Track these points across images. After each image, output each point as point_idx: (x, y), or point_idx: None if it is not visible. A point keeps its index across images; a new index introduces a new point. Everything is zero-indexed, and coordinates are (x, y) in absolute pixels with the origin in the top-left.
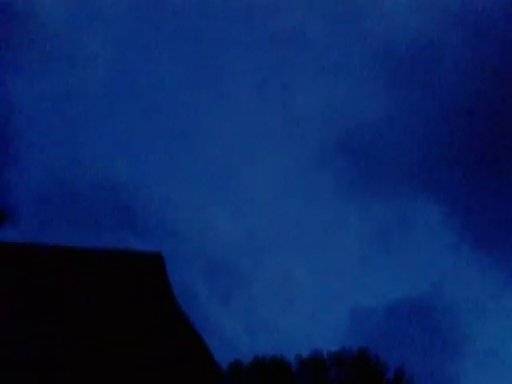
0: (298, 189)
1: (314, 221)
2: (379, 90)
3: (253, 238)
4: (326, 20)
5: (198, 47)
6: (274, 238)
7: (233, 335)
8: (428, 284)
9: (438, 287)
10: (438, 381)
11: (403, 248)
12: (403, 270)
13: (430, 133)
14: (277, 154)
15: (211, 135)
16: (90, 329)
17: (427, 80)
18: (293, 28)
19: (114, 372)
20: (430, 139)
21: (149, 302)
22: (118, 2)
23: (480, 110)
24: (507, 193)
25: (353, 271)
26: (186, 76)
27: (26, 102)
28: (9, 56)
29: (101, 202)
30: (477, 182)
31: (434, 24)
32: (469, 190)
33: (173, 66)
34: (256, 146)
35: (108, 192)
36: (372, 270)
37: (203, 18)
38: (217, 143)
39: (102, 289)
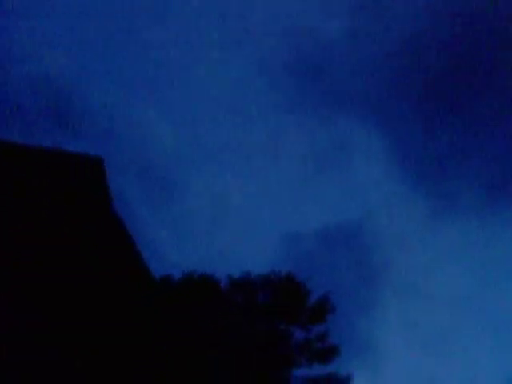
0: (240, 104)
1: (252, 139)
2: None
3: (191, 148)
4: None
5: None
6: (213, 152)
7: (163, 246)
8: (359, 211)
9: (368, 215)
10: (358, 306)
11: (338, 173)
12: (337, 196)
13: (383, 61)
14: (222, 65)
15: (156, 38)
16: (24, 230)
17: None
18: None
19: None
20: (382, 69)
21: (88, 207)
22: None
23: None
24: (443, 130)
25: (287, 193)
26: None
27: None
28: None
29: (33, 94)
30: (420, 118)
31: None
32: (410, 124)
33: None
34: (202, 53)
35: (41, 84)
36: (306, 194)
37: None
38: (163, 46)
39: (39, 190)
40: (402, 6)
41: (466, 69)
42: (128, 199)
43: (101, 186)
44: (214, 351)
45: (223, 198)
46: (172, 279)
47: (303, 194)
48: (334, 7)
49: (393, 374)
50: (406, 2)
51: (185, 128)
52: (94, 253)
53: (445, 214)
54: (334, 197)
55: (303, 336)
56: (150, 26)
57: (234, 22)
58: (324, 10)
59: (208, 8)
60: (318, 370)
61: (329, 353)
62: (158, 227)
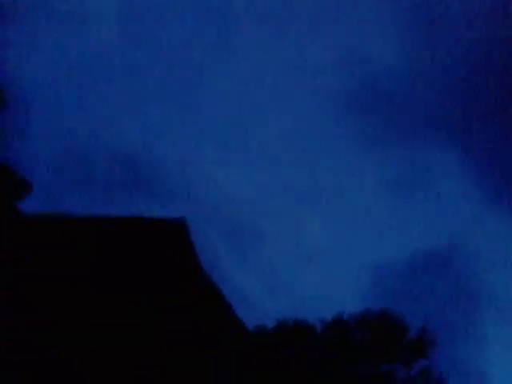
0: (309, 142)
1: (327, 172)
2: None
3: (265, 194)
4: None
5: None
6: (287, 193)
7: (253, 295)
8: (447, 235)
9: (458, 238)
10: (461, 334)
11: (420, 199)
12: (421, 221)
13: (450, 83)
14: (288, 109)
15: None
16: (117, 298)
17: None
18: None
19: (143, 337)
20: (449, 90)
21: (176, 268)
22: None
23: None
24: None
25: (369, 224)
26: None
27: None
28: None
29: (115, 169)
30: (495, 132)
31: None
32: (487, 140)
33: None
34: (268, 99)
35: (121, 159)
36: (389, 222)
37: None
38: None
39: (129, 256)
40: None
41: None
42: (214, 254)
43: (186, 246)
44: None
45: (305, 234)
46: (266, 329)
47: (385, 222)
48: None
49: None
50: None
51: (255, 173)
52: (188, 311)
53: None
54: (419, 223)
55: (405, 373)
56: (217, 80)
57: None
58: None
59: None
60: None
61: None
62: (246, 277)
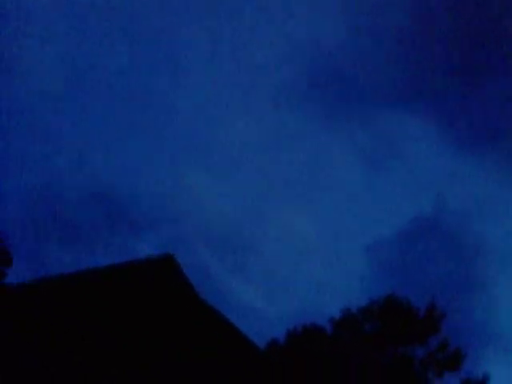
0: (271, 137)
1: (300, 162)
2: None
3: (244, 201)
4: None
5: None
6: (266, 193)
7: (255, 304)
8: (431, 197)
9: (442, 197)
10: (465, 289)
11: (395, 167)
12: (401, 190)
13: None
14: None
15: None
16: (121, 347)
17: None
18: None
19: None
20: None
21: (173, 304)
22: None
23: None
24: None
25: (353, 206)
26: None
27: None
28: None
29: (94, 210)
30: (453, 86)
31: None
32: (447, 95)
33: None
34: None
35: (96, 199)
36: (371, 199)
37: None
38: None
39: (125, 304)
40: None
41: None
42: (212, 274)
43: (178, 279)
44: None
45: (298, 235)
46: (277, 341)
47: (369, 202)
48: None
49: None
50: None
51: (232, 184)
52: (192, 343)
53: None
54: (402, 194)
55: (424, 352)
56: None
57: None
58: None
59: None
60: (451, 379)
61: (455, 359)
62: (246, 287)
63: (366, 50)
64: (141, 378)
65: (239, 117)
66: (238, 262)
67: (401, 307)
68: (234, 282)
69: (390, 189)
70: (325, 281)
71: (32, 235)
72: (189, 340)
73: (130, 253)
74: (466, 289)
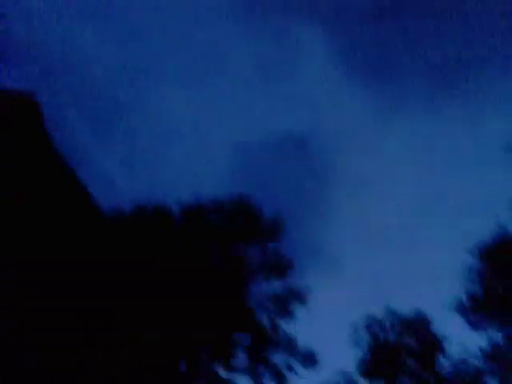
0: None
1: (195, 50)
2: None
3: (127, 64)
4: None
5: None
6: (152, 66)
7: (111, 175)
8: (305, 118)
9: (315, 121)
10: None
11: (282, 82)
12: (281, 105)
13: None
14: None
15: None
16: None
17: None
18: None
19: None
20: None
21: (24, 143)
22: None
23: None
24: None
25: (229, 107)
26: None
27: None
28: None
29: None
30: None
31: None
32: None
33: None
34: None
35: None
36: (251, 106)
37: None
38: None
39: None
40: None
41: None
42: (74, 133)
43: (36, 121)
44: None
45: (168, 111)
46: (123, 211)
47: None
48: None
49: (351, 275)
50: None
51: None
52: (34, 187)
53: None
54: (279, 104)
55: (260, 258)
56: None
57: None
58: None
59: None
60: (277, 285)
61: (283, 267)
62: (106, 156)
63: None
64: None
65: None
66: (104, 129)
67: (250, 209)
68: (96, 149)
69: (271, 101)
70: (183, 169)
71: None
72: (31, 184)
73: None
74: (314, 210)
